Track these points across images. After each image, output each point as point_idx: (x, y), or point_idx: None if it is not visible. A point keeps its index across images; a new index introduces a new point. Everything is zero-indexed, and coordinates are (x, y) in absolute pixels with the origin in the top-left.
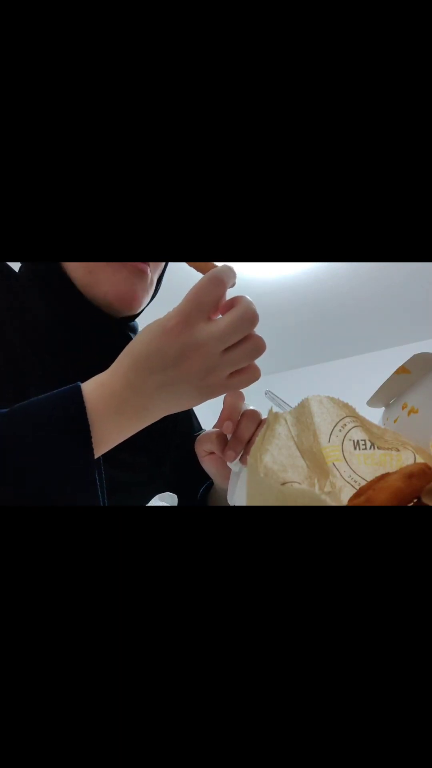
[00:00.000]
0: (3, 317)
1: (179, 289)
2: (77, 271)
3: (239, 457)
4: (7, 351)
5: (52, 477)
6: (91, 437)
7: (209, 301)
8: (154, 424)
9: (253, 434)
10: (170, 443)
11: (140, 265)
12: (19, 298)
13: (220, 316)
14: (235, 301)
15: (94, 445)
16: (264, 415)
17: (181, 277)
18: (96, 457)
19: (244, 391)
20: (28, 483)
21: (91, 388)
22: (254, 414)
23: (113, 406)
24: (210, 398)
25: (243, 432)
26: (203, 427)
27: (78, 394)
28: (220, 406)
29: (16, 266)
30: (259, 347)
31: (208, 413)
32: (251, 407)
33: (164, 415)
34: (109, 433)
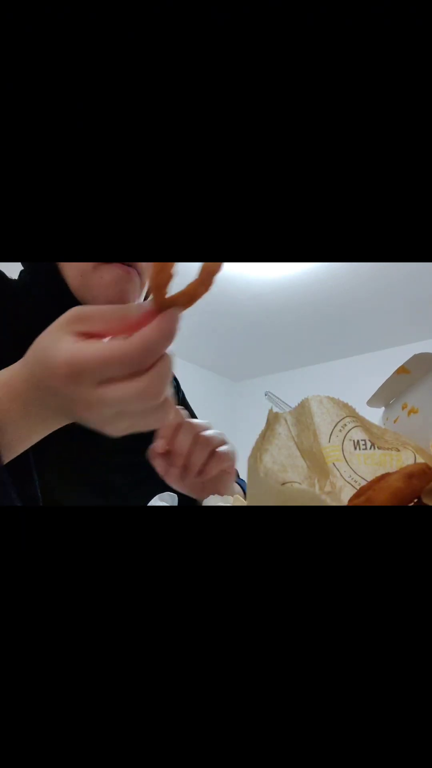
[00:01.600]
0: None
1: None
2: (71, 274)
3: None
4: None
5: None
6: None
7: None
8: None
9: (192, 450)
10: None
11: (126, 267)
12: (11, 304)
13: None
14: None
15: (2, 449)
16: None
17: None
18: (6, 461)
19: (247, 391)
20: None
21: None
22: (189, 426)
23: (20, 407)
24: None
25: (179, 445)
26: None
27: None
28: (226, 402)
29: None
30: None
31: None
32: (192, 420)
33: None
34: (18, 436)
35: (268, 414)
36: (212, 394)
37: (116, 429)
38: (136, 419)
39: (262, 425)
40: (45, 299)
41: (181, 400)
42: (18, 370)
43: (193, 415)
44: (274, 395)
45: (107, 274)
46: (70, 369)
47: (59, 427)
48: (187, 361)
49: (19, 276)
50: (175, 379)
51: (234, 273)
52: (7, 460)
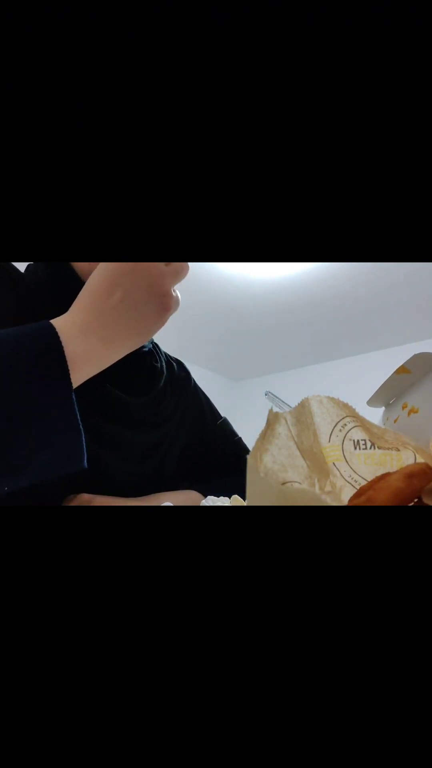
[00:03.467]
0: (6, 320)
1: (185, 291)
2: (86, 270)
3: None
4: None
5: (27, 393)
6: (64, 354)
7: None
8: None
9: None
10: (185, 417)
11: None
12: (24, 299)
13: None
14: None
15: (69, 366)
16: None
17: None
18: (71, 382)
19: (247, 391)
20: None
21: (57, 323)
22: None
23: (80, 334)
24: (163, 313)
25: None
26: (224, 416)
27: (49, 324)
28: (226, 401)
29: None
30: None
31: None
32: None
33: (131, 345)
34: (79, 361)
35: (268, 414)
36: (212, 394)
37: (165, 288)
38: (176, 273)
39: (262, 425)
40: (55, 295)
41: (194, 388)
42: (75, 308)
43: (209, 403)
44: (274, 395)
45: None
46: (175, 271)
47: (113, 360)
48: (187, 361)
49: (26, 270)
50: (185, 368)
51: (234, 273)
52: (75, 384)
